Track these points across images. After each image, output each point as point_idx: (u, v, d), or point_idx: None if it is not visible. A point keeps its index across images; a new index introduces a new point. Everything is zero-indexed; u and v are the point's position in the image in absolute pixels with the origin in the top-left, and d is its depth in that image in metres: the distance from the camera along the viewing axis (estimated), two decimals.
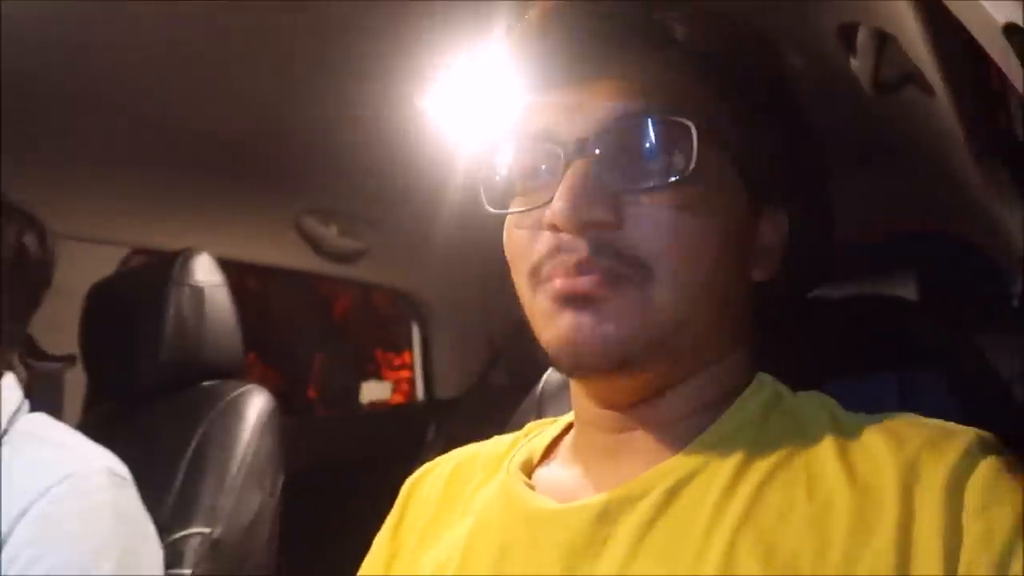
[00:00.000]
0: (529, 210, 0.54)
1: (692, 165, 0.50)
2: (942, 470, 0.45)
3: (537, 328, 0.55)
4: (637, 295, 0.51)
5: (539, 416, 0.89)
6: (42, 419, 0.94)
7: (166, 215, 1.66)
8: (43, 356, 1.48)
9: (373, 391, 2.85)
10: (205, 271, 1.25)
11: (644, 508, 0.50)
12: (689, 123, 0.50)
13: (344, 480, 1.98)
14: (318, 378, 2.79)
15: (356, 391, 2.62)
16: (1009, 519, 0.43)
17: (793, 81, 0.59)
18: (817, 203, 0.62)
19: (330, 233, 1.93)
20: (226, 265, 1.80)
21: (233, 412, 1.17)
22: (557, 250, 0.51)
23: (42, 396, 1.50)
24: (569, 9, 0.54)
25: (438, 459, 0.70)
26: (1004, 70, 0.67)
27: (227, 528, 1.06)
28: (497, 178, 0.57)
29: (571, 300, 0.51)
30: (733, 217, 0.54)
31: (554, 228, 0.51)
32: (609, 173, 0.51)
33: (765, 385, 0.57)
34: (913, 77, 1.23)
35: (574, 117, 0.52)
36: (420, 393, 2.48)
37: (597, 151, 0.51)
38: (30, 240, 0.97)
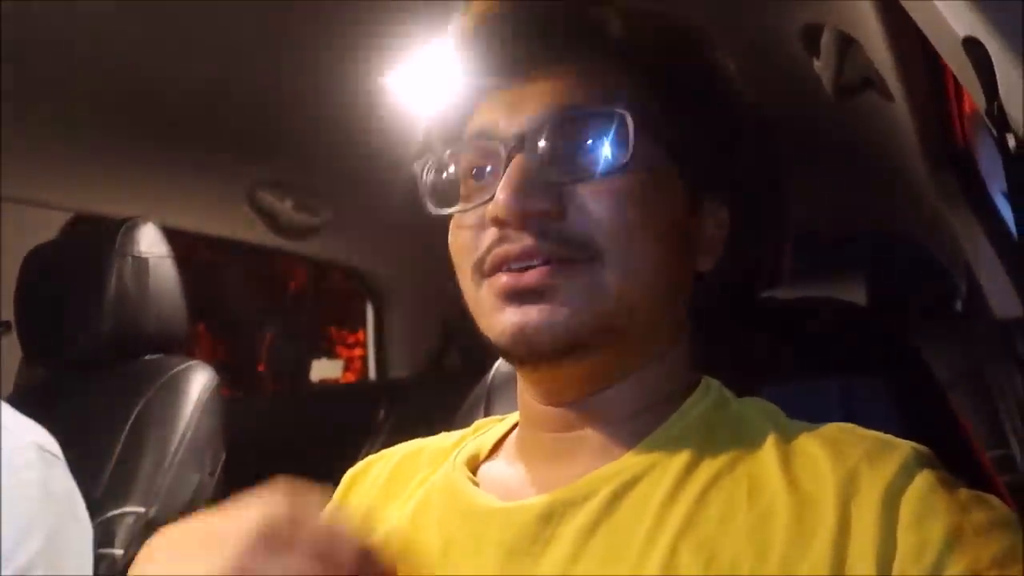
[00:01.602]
0: (474, 207, 0.54)
1: (630, 153, 0.51)
2: (879, 484, 0.46)
3: (483, 324, 0.55)
4: (586, 279, 0.51)
5: (488, 404, 0.89)
6: None
7: (114, 181, 1.61)
8: None
9: (323, 369, 2.81)
10: (150, 242, 1.21)
11: (587, 511, 0.50)
12: (624, 112, 0.51)
13: (292, 459, 1.95)
14: (268, 353, 2.75)
15: (306, 368, 2.59)
16: (940, 533, 0.44)
17: (729, 76, 0.59)
18: (761, 197, 0.62)
19: (285, 208, 1.89)
20: (178, 234, 1.77)
21: (174, 388, 1.14)
22: (500, 241, 0.52)
23: None
24: (502, 10, 0.55)
25: (382, 452, 0.69)
26: (962, 82, 0.67)
27: (163, 508, 1.04)
28: (440, 180, 0.57)
29: (517, 295, 0.51)
30: (673, 207, 0.55)
31: (497, 222, 0.51)
32: (549, 166, 0.52)
33: (711, 390, 0.57)
34: (873, 82, 1.24)
35: (512, 114, 0.53)
36: (372, 372, 2.46)
37: (537, 145, 0.52)
38: None
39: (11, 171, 1.45)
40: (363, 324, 2.50)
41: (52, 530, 0.81)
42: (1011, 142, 0.60)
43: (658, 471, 0.51)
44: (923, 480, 0.46)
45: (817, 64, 1.24)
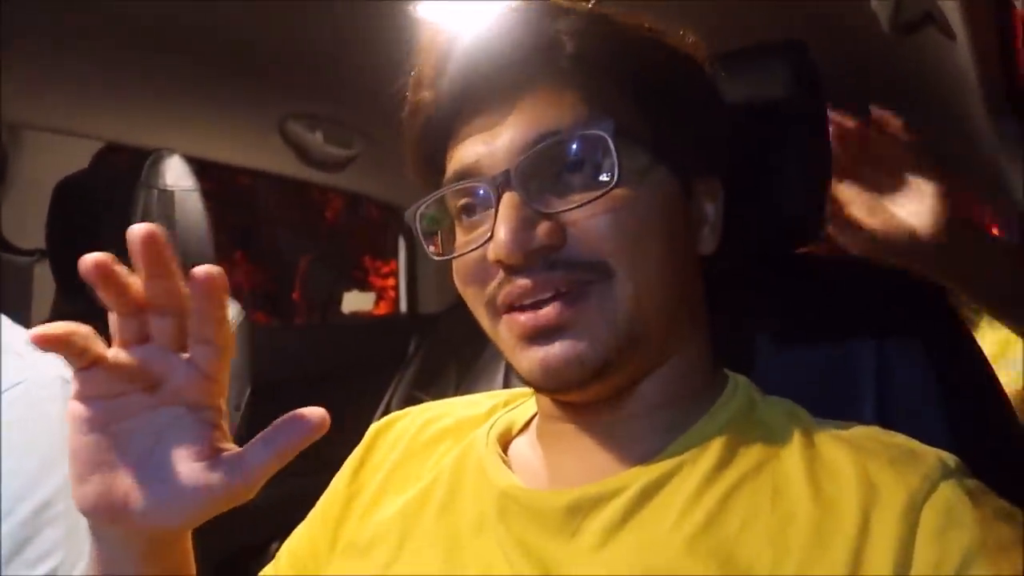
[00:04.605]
0: (473, 249, 0.54)
1: (616, 169, 0.50)
2: (902, 492, 0.46)
3: (507, 356, 0.55)
4: (600, 301, 0.51)
5: None
6: None
7: (144, 111, 1.59)
8: (10, 248, 1.44)
9: (355, 301, 2.83)
10: (176, 175, 1.20)
11: (614, 508, 0.51)
12: (602, 134, 0.51)
13: (324, 389, 1.98)
14: (302, 282, 2.77)
15: (339, 299, 2.60)
16: (962, 546, 0.43)
17: (690, 62, 0.58)
18: (762, 166, 0.62)
19: (315, 140, 1.86)
20: (214, 162, 1.76)
21: None
22: (508, 280, 0.52)
23: (11, 290, 1.48)
24: (465, 49, 0.55)
25: (408, 410, 0.71)
26: None
27: None
28: (434, 222, 0.58)
29: (536, 335, 0.51)
30: (665, 201, 0.54)
31: (501, 264, 0.51)
32: (538, 196, 0.52)
33: (739, 391, 0.57)
34: (934, 18, 1.16)
35: (493, 148, 0.53)
36: (404, 305, 2.47)
37: (524, 178, 0.51)
38: None
39: (42, 100, 1.44)
40: (397, 254, 2.49)
41: None
42: None
43: (684, 473, 0.51)
44: (947, 490, 0.46)
45: (874, 0, 1.16)
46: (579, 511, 0.51)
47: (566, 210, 0.51)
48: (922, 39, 1.23)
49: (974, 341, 0.66)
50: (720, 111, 0.60)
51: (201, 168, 1.27)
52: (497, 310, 0.54)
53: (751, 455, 0.51)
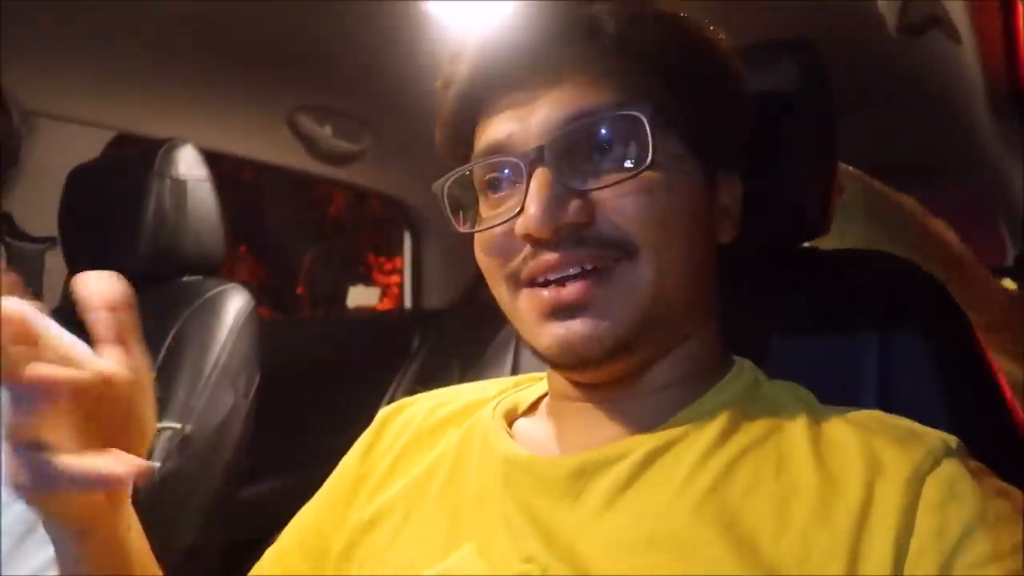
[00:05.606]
0: (501, 223, 0.54)
1: (650, 152, 0.51)
2: (905, 466, 0.47)
3: (524, 333, 0.56)
4: (624, 280, 0.52)
5: (520, 342, 0.89)
6: None
7: (156, 101, 1.61)
8: (22, 236, 1.46)
9: (360, 296, 2.84)
10: (188, 164, 1.21)
11: (619, 471, 0.52)
12: (639, 114, 0.51)
13: (327, 382, 1.99)
14: (306, 276, 2.78)
15: (343, 293, 2.61)
16: (963, 518, 0.44)
17: (726, 56, 0.59)
18: (768, 161, 0.63)
19: (324, 133, 1.88)
20: (222, 155, 1.77)
21: (211, 310, 1.16)
22: (535, 255, 0.53)
23: (22, 277, 1.49)
24: (505, 25, 0.56)
25: (418, 395, 0.72)
26: None
27: (198, 426, 1.07)
28: (460, 194, 0.58)
29: (559, 310, 0.52)
30: (692, 189, 0.55)
31: (530, 238, 0.52)
32: (571, 174, 0.52)
33: (745, 371, 0.58)
34: (940, 21, 1.18)
35: (527, 125, 0.53)
36: (408, 301, 2.48)
37: (557, 155, 0.52)
38: None
39: (57, 89, 1.46)
40: (401, 251, 2.50)
41: None
42: None
43: (689, 440, 0.52)
44: (949, 467, 0.47)
45: (880, 2, 1.17)
46: (583, 474, 0.52)
47: (597, 188, 0.52)
48: (928, 41, 1.24)
49: (974, 331, 0.67)
50: (748, 109, 0.61)
51: (206, 162, 1.28)
52: (519, 283, 0.54)
53: (756, 428, 0.52)
